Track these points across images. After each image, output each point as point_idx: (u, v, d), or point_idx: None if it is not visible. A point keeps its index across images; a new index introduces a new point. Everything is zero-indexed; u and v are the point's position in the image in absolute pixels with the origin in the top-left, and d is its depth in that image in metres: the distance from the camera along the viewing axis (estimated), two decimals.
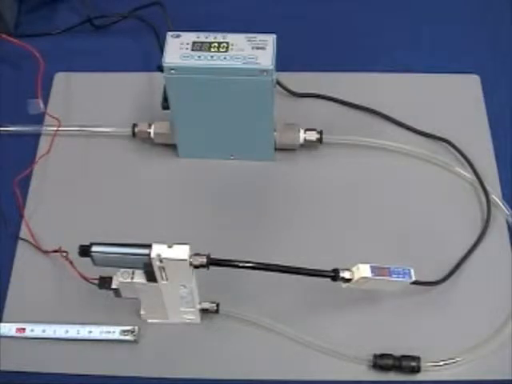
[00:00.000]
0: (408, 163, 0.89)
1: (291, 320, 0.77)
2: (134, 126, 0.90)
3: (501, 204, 0.85)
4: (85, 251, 0.67)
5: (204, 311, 0.76)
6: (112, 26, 1.03)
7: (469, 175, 0.88)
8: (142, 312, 0.77)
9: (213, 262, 0.67)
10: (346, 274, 0.70)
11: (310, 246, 0.83)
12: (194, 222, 0.85)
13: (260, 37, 0.79)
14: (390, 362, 0.74)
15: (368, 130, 0.91)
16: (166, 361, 0.76)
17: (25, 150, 0.91)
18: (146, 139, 0.90)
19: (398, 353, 0.75)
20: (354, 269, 0.71)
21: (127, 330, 0.77)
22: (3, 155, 0.92)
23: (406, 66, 0.98)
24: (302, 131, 0.89)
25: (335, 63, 0.98)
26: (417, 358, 0.74)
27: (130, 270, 0.70)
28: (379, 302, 0.79)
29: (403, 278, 0.71)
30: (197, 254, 0.67)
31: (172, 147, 0.90)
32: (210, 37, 0.79)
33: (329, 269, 0.71)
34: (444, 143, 0.90)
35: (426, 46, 1.01)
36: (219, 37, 0.79)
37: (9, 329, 0.78)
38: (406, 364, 0.74)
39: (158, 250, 0.66)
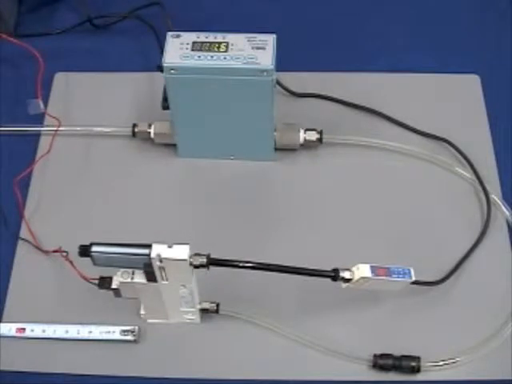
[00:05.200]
0: (408, 163, 0.89)
1: (291, 320, 0.77)
2: (134, 125, 0.90)
3: (501, 204, 0.85)
4: (85, 251, 0.67)
5: (204, 311, 0.76)
6: (112, 26, 1.03)
7: (469, 175, 0.88)
8: (141, 312, 0.77)
9: (213, 262, 0.67)
10: (346, 274, 0.70)
11: (310, 246, 0.83)
12: (193, 221, 0.85)
13: (260, 37, 0.79)
14: (389, 362, 0.74)
15: (368, 130, 0.91)
16: (166, 361, 0.76)
17: (25, 150, 0.91)
18: (146, 139, 0.90)
19: (398, 353, 0.75)
20: (353, 269, 0.71)
21: (127, 330, 0.77)
22: (3, 155, 0.92)
23: (406, 65, 0.98)
24: (302, 131, 0.89)
25: (335, 63, 0.98)
26: (417, 358, 0.74)
27: (130, 270, 0.70)
28: (379, 302, 0.79)
29: (403, 277, 0.71)
30: (197, 254, 0.67)
31: (172, 147, 0.90)
32: (210, 37, 0.79)
33: (329, 269, 0.71)
34: (444, 143, 0.90)
35: (426, 45, 1.01)
36: (219, 37, 0.79)
37: (9, 329, 0.78)
38: (406, 364, 0.74)
39: (158, 250, 0.66)
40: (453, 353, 0.75)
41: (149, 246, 0.66)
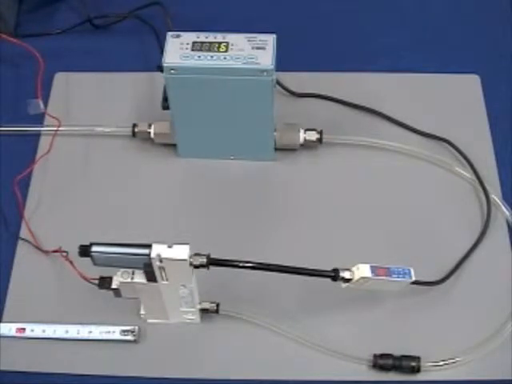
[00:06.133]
0: (408, 163, 0.89)
1: (291, 320, 0.77)
2: (134, 125, 0.90)
3: (501, 204, 0.85)
4: (85, 251, 0.67)
5: (204, 311, 0.76)
6: (112, 26, 1.03)
7: (469, 175, 0.88)
8: (141, 312, 0.77)
9: (213, 262, 0.67)
10: (346, 274, 0.70)
11: (310, 246, 0.83)
12: (193, 221, 0.85)
13: (260, 37, 0.79)
14: (389, 361, 0.74)
15: (368, 130, 0.91)
16: (165, 361, 0.76)
17: (25, 150, 0.91)
18: (146, 139, 0.90)
19: (398, 353, 0.75)
20: (353, 269, 0.71)
21: (127, 330, 0.77)
22: (3, 155, 0.92)
23: (406, 65, 0.98)
24: (302, 131, 0.89)
25: (335, 63, 0.98)
26: (417, 358, 0.74)
27: (130, 270, 0.70)
28: (379, 302, 0.79)
29: (403, 277, 0.71)
30: (197, 254, 0.67)
31: (172, 147, 0.90)
32: (210, 37, 0.79)
33: (329, 269, 0.71)
34: (444, 143, 0.90)
35: (426, 46, 1.01)
36: (219, 37, 0.79)
37: (9, 329, 0.78)
38: (406, 364, 0.74)
39: (158, 250, 0.66)
40: (453, 353, 0.75)
41: (149, 246, 0.66)
